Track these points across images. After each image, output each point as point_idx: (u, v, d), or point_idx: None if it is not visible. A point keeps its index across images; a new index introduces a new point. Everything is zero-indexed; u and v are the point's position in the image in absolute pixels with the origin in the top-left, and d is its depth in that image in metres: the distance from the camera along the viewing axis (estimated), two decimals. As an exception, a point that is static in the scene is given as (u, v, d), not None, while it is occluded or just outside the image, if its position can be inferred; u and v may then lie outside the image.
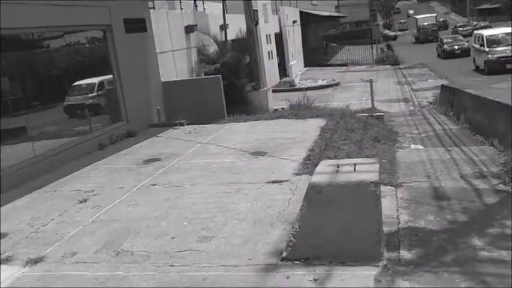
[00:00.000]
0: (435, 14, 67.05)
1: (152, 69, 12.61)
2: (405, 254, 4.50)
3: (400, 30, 73.33)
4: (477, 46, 24.74)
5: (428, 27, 55.44)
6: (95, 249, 5.03)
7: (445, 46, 34.27)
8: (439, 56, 35.78)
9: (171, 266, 4.53)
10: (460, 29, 58.68)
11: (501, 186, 6.21)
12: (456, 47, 33.46)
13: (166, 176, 7.50)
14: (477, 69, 24.69)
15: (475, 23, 68.22)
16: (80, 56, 10.76)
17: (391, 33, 66.12)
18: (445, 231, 4.99)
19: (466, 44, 33.00)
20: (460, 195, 6.04)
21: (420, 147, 9.43)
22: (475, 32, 26.66)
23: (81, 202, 6.59)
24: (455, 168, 7.34)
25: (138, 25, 11.99)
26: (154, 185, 7.12)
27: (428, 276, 4.08)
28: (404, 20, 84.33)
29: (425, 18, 59.89)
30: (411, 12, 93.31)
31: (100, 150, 9.77)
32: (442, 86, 16.16)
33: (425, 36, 53.71)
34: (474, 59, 25.69)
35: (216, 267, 4.42)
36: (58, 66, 9.87)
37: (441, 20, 72.65)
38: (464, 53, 32.11)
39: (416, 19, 61.94)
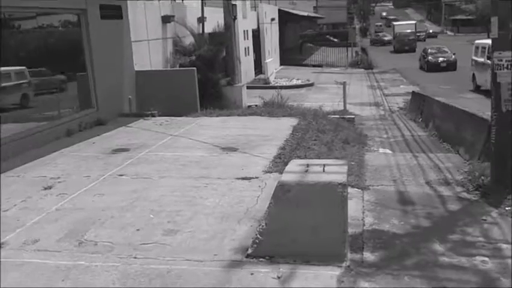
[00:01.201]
0: (415, 22, 60.84)
1: (126, 57, 12.43)
2: (368, 256, 4.56)
3: (376, 32, 73.48)
4: (481, 60, 19.54)
5: (405, 36, 50.95)
6: (58, 238, 4.94)
7: (429, 57, 31.13)
8: (421, 67, 32.74)
9: (135, 258, 4.48)
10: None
11: (464, 194, 6.36)
12: (441, 59, 30.53)
13: (135, 167, 7.41)
14: (477, 89, 20.01)
15: (430, 30, 69.60)
16: (53, 39, 10.52)
17: (386, 38, 61.97)
18: (408, 235, 5.09)
19: (453, 56, 30.67)
20: (424, 201, 6.16)
21: (388, 151, 9.59)
22: (477, 42, 21.27)
23: (45, 189, 6.46)
24: (421, 174, 7.48)
25: (114, 12, 11.80)
26: (121, 175, 7.03)
27: (390, 278, 4.15)
28: (380, 24, 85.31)
29: (403, 26, 54.42)
30: (390, 16, 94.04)
31: (68, 137, 9.59)
32: (413, 92, 16.45)
33: (401, 46, 49.93)
34: (474, 75, 20.67)
35: (180, 261, 4.39)
36: (29, 49, 9.63)
37: (430, 30, 69.48)
38: (450, 66, 29.82)
39: (393, 26, 56.89)
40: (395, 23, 59.15)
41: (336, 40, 49.51)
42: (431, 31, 70.64)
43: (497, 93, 6.23)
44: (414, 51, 46.32)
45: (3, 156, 7.79)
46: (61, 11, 10.33)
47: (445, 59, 30.47)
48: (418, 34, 55.58)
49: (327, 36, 53.27)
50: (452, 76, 27.05)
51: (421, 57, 33.33)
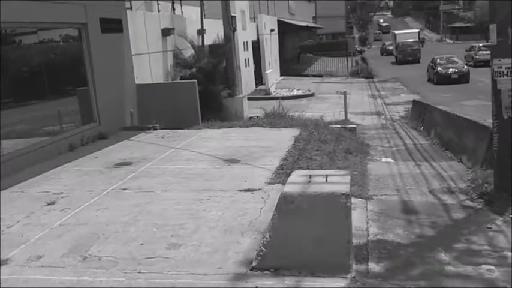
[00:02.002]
0: (417, 30, 55.98)
1: (127, 71, 12.49)
2: (373, 266, 4.54)
3: (375, 40, 73.21)
4: None
5: (408, 46, 46.01)
6: (61, 253, 4.92)
7: (439, 68, 28.21)
8: (430, 79, 29.96)
9: (139, 272, 4.47)
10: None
11: (468, 202, 6.35)
12: (452, 70, 27.90)
13: (137, 181, 7.41)
14: None
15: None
16: (54, 54, 10.58)
17: (391, 48, 55.94)
18: (413, 245, 5.07)
19: (465, 67, 28.46)
20: (428, 210, 6.15)
21: (391, 160, 9.58)
22: None
23: (49, 204, 6.45)
24: (424, 182, 7.47)
25: (114, 25, 11.87)
26: (124, 189, 7.03)
27: (396, 289, 4.13)
28: (379, 32, 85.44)
29: (405, 35, 49.51)
30: (383, 24, 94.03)
31: (70, 152, 9.60)
32: (414, 101, 16.48)
33: (404, 56, 45.23)
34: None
35: (184, 275, 4.38)
36: (30, 64, 9.68)
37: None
38: (463, 78, 27.27)
39: (395, 34, 51.61)
40: (396, 31, 53.97)
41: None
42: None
43: (498, 100, 6.23)
44: (418, 62, 43.28)
45: (4, 172, 7.80)
46: (62, 25, 10.40)
47: (457, 70, 27.94)
48: (422, 43, 52.07)
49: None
50: (464, 89, 24.48)
51: (429, 68, 30.67)
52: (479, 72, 28.10)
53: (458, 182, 7.28)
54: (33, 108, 9.60)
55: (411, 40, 47.49)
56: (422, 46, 50.12)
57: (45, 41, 10.33)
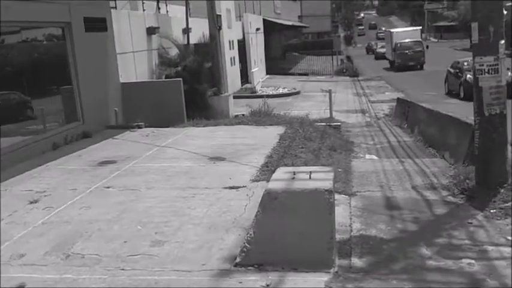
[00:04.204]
0: (419, 28, 46.28)
1: (111, 69, 12.42)
2: (356, 261, 4.59)
3: (358, 35, 72.63)
4: None
5: (409, 48, 36.60)
6: (44, 252, 4.89)
7: (468, 76, 17.86)
8: (451, 92, 21.48)
9: (123, 269, 4.46)
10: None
11: (450, 198, 6.42)
12: None
13: (122, 179, 7.38)
14: None
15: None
16: (37, 53, 10.48)
17: (381, 50, 49.88)
18: (396, 240, 5.12)
19: (509, 73, 15.72)
20: (411, 206, 6.21)
21: (375, 157, 9.66)
22: None
23: (31, 203, 6.40)
24: (407, 179, 7.54)
25: (98, 24, 11.79)
26: (108, 187, 7.00)
27: (378, 283, 4.17)
28: (363, 27, 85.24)
29: (405, 33, 40.47)
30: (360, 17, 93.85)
31: (54, 151, 9.52)
32: (398, 99, 16.62)
33: (403, 61, 36.14)
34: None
35: (168, 272, 4.38)
36: (13, 63, 9.58)
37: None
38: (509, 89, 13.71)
39: (391, 33, 41.70)
40: (393, 30, 44.76)
41: None
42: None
43: (480, 97, 6.32)
44: (422, 67, 35.76)
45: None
46: (45, 24, 10.31)
47: None
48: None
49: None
50: None
51: (450, 76, 21.81)
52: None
53: (441, 178, 7.36)
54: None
55: (412, 40, 37.78)
56: (427, 48, 39.25)
57: (29, 40, 10.23)
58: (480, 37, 6.24)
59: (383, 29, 75.27)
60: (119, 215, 5.81)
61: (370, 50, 59.01)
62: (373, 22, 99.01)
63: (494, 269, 4.37)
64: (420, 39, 39.58)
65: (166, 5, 18.48)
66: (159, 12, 17.60)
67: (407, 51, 36.48)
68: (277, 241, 4.40)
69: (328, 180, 4.62)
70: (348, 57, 45.39)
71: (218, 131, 11.22)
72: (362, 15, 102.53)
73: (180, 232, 5.24)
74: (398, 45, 37.32)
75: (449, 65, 22.41)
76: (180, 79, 13.52)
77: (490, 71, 6.22)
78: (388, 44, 42.89)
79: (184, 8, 18.10)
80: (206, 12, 16.54)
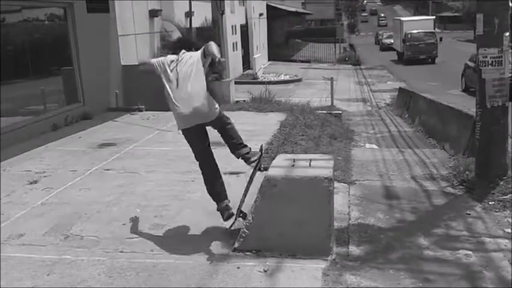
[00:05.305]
0: (433, 17, 43.23)
1: (113, 51, 12.34)
2: (354, 249, 4.61)
3: (361, 22, 71.38)
4: None
5: (419, 40, 33.08)
6: (43, 232, 4.91)
7: None
8: (467, 89, 18.53)
9: (121, 252, 4.48)
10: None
11: (449, 189, 6.44)
12: None
13: (121, 162, 7.38)
14: None
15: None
16: (38, 33, 10.41)
17: (388, 41, 47.37)
18: (393, 229, 5.14)
19: None
20: (409, 196, 6.23)
21: (375, 146, 9.65)
22: None
23: (31, 183, 6.41)
24: (407, 169, 7.55)
25: (100, 5, 11.70)
26: (108, 170, 7.00)
27: (375, 271, 4.19)
28: (366, 14, 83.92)
29: (416, 23, 36.33)
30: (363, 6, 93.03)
31: (54, 132, 9.51)
32: (400, 88, 16.54)
33: (414, 53, 32.76)
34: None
35: (167, 255, 4.40)
36: (14, 42, 9.51)
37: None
38: None
39: (401, 22, 37.34)
40: (403, 18, 40.95)
41: None
42: None
43: (482, 89, 6.29)
44: (434, 61, 32.75)
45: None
46: (47, 4, 10.23)
47: None
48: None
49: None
50: None
51: (469, 70, 18.26)
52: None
53: (441, 169, 7.37)
54: (17, 87, 9.46)
55: (425, 31, 34.14)
56: (441, 40, 35.53)
57: (30, 19, 10.15)
58: (485, 29, 6.19)
59: (382, 15, 73.87)
60: (118, 198, 5.82)
61: (378, 40, 54.60)
62: (373, 8, 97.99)
63: (491, 260, 4.39)
64: (433, 30, 36.03)
65: (169, -12, 18.30)
66: (162, -6, 17.43)
67: (418, 43, 33.04)
68: (276, 227, 4.42)
69: (328, 168, 4.62)
70: (351, 46, 45.14)
71: (219, 116, 11.16)
72: (365, 1, 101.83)
73: (179, 216, 5.26)
74: (409, 35, 33.65)
75: (468, 58, 19.06)
76: (182, 63, 13.41)
77: (494, 63, 6.18)
78: (396, 33, 39.33)
79: (187, -9, 17.91)
80: (209, -4, 16.41)
